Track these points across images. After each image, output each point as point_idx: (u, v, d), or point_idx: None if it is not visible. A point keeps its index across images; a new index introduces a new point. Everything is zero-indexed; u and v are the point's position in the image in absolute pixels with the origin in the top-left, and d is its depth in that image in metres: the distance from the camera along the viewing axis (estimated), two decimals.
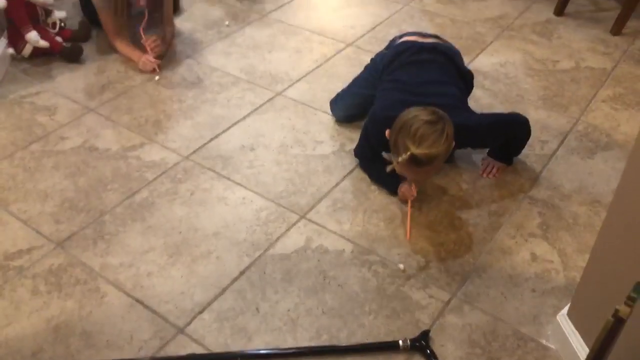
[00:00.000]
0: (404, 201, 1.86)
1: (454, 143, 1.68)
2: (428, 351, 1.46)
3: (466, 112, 1.91)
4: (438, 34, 2.26)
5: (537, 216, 1.86)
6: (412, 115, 1.66)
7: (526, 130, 1.96)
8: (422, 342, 1.47)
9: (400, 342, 1.47)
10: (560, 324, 1.45)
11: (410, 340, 1.48)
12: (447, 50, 2.08)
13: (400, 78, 1.98)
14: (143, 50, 2.51)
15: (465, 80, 2.08)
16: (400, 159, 1.64)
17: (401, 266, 1.68)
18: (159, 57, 2.52)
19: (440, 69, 2.00)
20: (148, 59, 2.48)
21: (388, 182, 1.91)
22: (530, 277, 1.67)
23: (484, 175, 1.98)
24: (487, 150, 2.03)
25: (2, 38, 2.57)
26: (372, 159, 1.98)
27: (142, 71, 2.50)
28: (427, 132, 1.62)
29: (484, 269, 1.69)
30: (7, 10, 2.49)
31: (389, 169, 1.72)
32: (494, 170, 1.98)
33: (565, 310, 1.46)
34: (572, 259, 1.72)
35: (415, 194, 1.81)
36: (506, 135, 1.93)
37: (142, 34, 2.49)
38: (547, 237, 1.79)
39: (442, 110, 1.69)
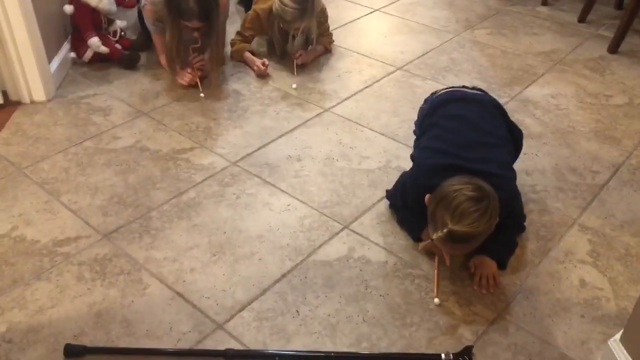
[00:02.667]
0: (430, 250, 1.71)
1: (497, 219, 1.53)
2: None
3: (511, 183, 1.74)
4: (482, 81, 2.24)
5: (587, 243, 1.81)
6: (454, 188, 1.51)
7: (521, 227, 1.81)
8: (465, 357, 1.43)
9: (443, 355, 1.44)
10: (612, 349, 1.39)
11: (454, 354, 1.44)
12: (496, 102, 1.93)
13: (443, 135, 1.78)
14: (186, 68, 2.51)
15: (514, 137, 1.89)
16: (436, 235, 1.51)
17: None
18: (201, 77, 2.52)
19: (489, 125, 1.81)
20: (186, 72, 2.47)
21: (412, 227, 1.79)
22: (580, 302, 1.61)
23: (476, 287, 1.64)
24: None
25: (66, 43, 2.68)
26: (402, 206, 1.85)
27: (180, 84, 2.50)
28: (469, 210, 1.47)
29: (531, 291, 1.64)
30: (73, 17, 2.60)
31: (421, 246, 1.67)
32: (492, 281, 1.63)
33: (617, 336, 1.41)
34: (624, 288, 1.66)
35: (424, 247, 1.69)
36: (509, 220, 1.71)
37: (191, 51, 2.50)
38: (597, 265, 1.74)
39: (487, 179, 1.55)
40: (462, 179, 1.54)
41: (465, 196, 1.48)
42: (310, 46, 2.72)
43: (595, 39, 3.04)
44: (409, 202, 1.77)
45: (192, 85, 2.50)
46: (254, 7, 2.70)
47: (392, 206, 1.91)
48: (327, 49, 2.81)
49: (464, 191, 1.49)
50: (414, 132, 2.02)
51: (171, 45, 2.45)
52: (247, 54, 2.69)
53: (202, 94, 2.48)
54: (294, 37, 2.63)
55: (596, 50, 2.93)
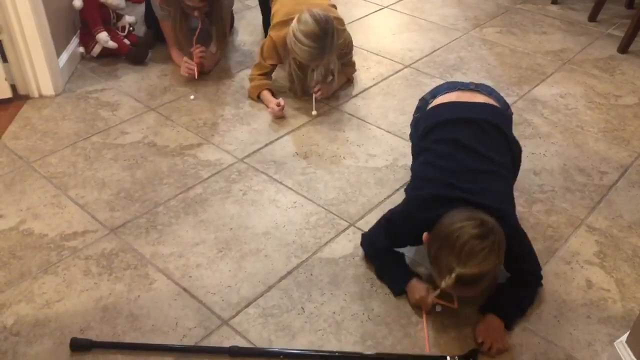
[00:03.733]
0: (417, 307, 1.56)
1: (503, 254, 1.41)
2: None
3: (513, 219, 1.58)
4: (483, 81, 2.19)
5: (595, 244, 1.80)
6: (456, 226, 1.38)
7: (536, 280, 1.61)
8: None
9: (448, 357, 1.43)
10: (618, 351, 1.39)
11: (459, 357, 1.43)
12: (494, 116, 1.72)
13: (439, 162, 1.62)
14: (191, 59, 2.50)
15: (512, 153, 1.72)
16: (444, 283, 1.37)
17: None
18: (203, 71, 2.52)
19: (486, 148, 1.63)
20: (188, 64, 2.47)
21: (395, 278, 1.62)
22: (586, 303, 1.61)
23: (484, 348, 1.47)
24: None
25: (75, 38, 2.68)
26: (383, 250, 1.67)
27: (182, 75, 2.51)
28: (475, 249, 1.34)
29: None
30: (82, 11, 2.61)
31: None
32: (500, 342, 1.47)
33: (624, 337, 1.40)
34: (631, 289, 1.65)
35: (432, 303, 1.52)
36: (518, 272, 1.58)
37: (193, 42, 2.49)
38: (604, 266, 1.73)
39: (490, 212, 1.43)
40: (462, 214, 1.40)
41: (469, 234, 1.35)
42: (330, 77, 2.44)
43: (606, 38, 3.02)
44: (400, 238, 1.62)
45: (194, 79, 2.51)
46: (270, 32, 2.38)
47: (369, 253, 1.71)
48: (349, 80, 2.55)
49: (466, 229, 1.36)
50: (410, 136, 1.93)
51: (174, 31, 2.48)
52: (265, 93, 2.38)
53: (192, 97, 2.43)
54: (312, 71, 2.34)
55: (606, 49, 2.91)
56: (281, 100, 2.32)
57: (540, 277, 1.61)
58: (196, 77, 2.50)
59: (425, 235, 1.47)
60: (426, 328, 1.52)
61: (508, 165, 1.68)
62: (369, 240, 1.71)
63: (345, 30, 2.37)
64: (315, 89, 2.34)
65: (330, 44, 2.15)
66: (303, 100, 2.41)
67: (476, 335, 1.49)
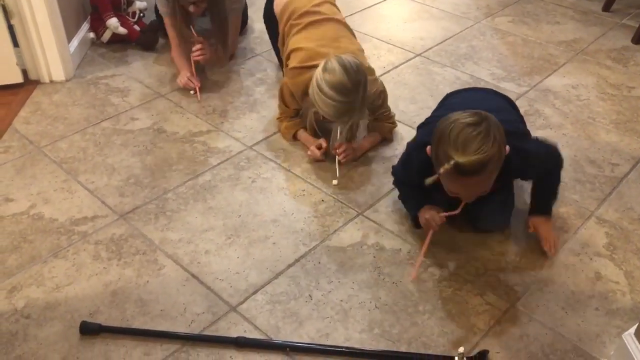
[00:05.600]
0: (427, 230, 1.62)
1: (506, 148, 1.45)
2: None
3: (529, 139, 1.70)
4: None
5: (604, 236, 1.79)
6: (450, 120, 1.43)
7: (553, 161, 1.71)
8: None
9: (456, 358, 1.40)
10: (626, 343, 1.38)
11: (467, 357, 1.42)
12: (502, 95, 1.92)
13: (448, 108, 1.69)
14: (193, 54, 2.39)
15: (519, 114, 1.89)
16: (442, 169, 1.40)
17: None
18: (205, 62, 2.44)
19: (496, 102, 1.83)
20: (189, 79, 2.34)
21: (411, 204, 1.71)
22: (594, 295, 1.60)
23: (551, 250, 1.67)
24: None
25: (85, 23, 2.68)
26: (404, 182, 1.78)
27: (179, 85, 2.38)
28: (470, 136, 1.38)
29: (545, 283, 1.63)
30: None
31: (428, 180, 1.47)
32: (556, 240, 1.69)
33: (632, 330, 1.39)
34: None
35: (441, 222, 1.59)
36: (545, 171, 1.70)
37: (192, 30, 2.37)
38: (613, 258, 1.72)
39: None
40: (456, 113, 1.46)
41: (462, 124, 1.40)
42: (357, 138, 2.08)
43: (620, 28, 2.98)
44: (414, 169, 1.63)
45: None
46: (284, 79, 2.06)
47: (396, 182, 1.85)
48: (386, 139, 2.13)
49: (460, 120, 1.42)
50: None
51: (175, 28, 2.36)
52: (301, 133, 2.09)
53: (192, 92, 2.36)
54: (337, 128, 1.94)
55: (620, 40, 2.88)
56: (322, 142, 1.99)
57: (558, 158, 1.70)
58: (198, 93, 2.34)
59: (428, 147, 1.51)
60: (427, 244, 1.61)
61: (514, 118, 1.80)
62: (394, 174, 1.84)
63: (376, 79, 2.03)
64: (339, 151, 1.94)
65: (361, 99, 1.81)
66: (326, 173, 1.99)
67: (529, 225, 1.70)
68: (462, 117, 1.42)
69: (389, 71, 2.57)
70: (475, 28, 2.95)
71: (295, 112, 2.11)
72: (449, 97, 1.96)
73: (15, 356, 1.40)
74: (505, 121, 1.51)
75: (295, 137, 2.11)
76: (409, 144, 1.75)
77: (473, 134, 1.38)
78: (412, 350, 1.45)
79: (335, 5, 2.28)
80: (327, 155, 2.01)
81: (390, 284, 1.61)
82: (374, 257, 1.70)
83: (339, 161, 1.94)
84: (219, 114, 2.28)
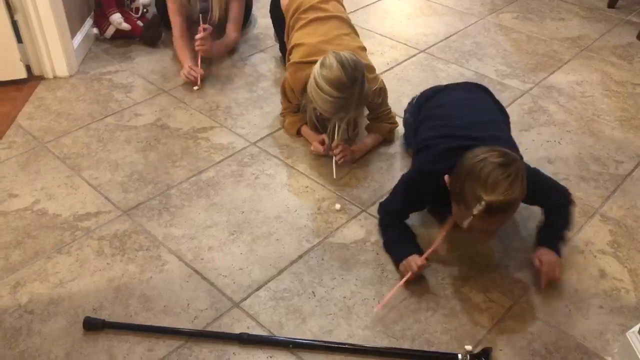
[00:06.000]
0: (403, 272, 1.57)
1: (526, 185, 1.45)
2: None
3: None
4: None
5: (608, 234, 1.78)
6: (479, 158, 1.43)
7: (564, 198, 1.67)
8: (483, 359, 1.41)
9: (460, 355, 1.41)
10: (630, 341, 1.38)
11: (471, 355, 1.41)
12: (478, 85, 1.94)
13: (440, 123, 1.71)
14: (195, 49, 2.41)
15: (504, 115, 1.87)
16: (475, 210, 1.40)
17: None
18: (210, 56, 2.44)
19: (481, 104, 1.81)
20: (191, 71, 2.34)
21: (401, 249, 1.62)
22: (598, 293, 1.60)
23: (542, 283, 1.58)
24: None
25: (88, 19, 2.68)
26: (399, 220, 1.70)
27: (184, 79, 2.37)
28: (500, 177, 1.39)
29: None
30: None
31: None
32: (557, 270, 1.59)
33: (636, 328, 1.39)
34: None
35: (422, 264, 1.54)
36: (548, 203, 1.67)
37: (200, 19, 2.37)
38: (617, 256, 1.71)
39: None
40: (482, 149, 1.45)
41: (493, 164, 1.40)
42: (357, 138, 2.07)
43: (625, 25, 2.97)
44: (418, 197, 1.64)
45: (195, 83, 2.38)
46: (286, 74, 2.07)
47: (383, 222, 1.71)
48: (387, 140, 2.11)
49: (490, 159, 1.41)
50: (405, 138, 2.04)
51: (180, 15, 2.38)
52: (305, 129, 2.07)
53: (195, 87, 2.35)
54: (335, 126, 1.90)
55: (625, 37, 2.86)
56: (325, 137, 1.96)
57: (568, 197, 1.68)
58: (198, 85, 2.34)
59: (446, 177, 1.52)
60: (399, 285, 1.54)
61: (503, 120, 1.82)
62: (384, 209, 1.73)
63: (376, 77, 2.00)
64: (336, 151, 1.92)
65: (358, 95, 1.79)
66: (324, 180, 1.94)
67: (533, 259, 1.60)
68: (492, 156, 1.43)
69: (392, 67, 2.57)
70: (479, 24, 2.94)
71: (298, 107, 2.11)
72: (430, 98, 1.90)
73: (19, 351, 1.41)
74: (503, 140, 1.61)
75: (299, 133, 2.11)
76: (408, 175, 1.69)
77: (503, 175, 1.40)
78: (416, 348, 1.45)
79: (341, 3, 2.29)
80: (326, 154, 2.00)
81: (393, 281, 1.61)
82: (377, 253, 1.70)
83: (336, 162, 1.93)
84: (222, 110, 2.28)
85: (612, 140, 2.17)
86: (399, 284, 1.55)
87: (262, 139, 2.13)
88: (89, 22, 2.67)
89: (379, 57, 2.64)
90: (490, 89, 1.97)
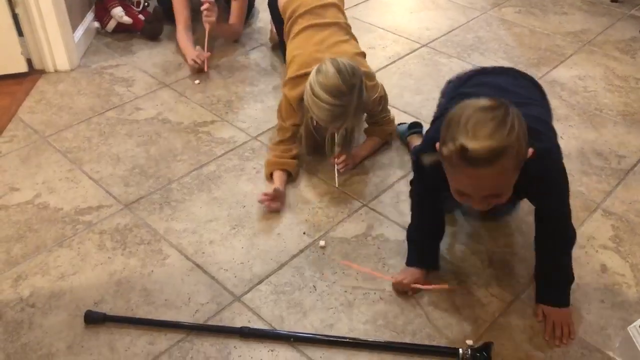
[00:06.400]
0: (398, 289, 1.54)
1: (529, 151, 1.24)
2: None
3: (553, 139, 1.44)
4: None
5: (610, 229, 1.78)
6: (463, 104, 1.24)
7: (567, 234, 1.47)
8: (484, 354, 1.38)
9: (461, 350, 1.40)
10: (632, 336, 1.38)
11: (472, 349, 1.40)
12: (525, 74, 1.70)
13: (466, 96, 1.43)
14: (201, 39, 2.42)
15: (549, 112, 1.63)
16: (445, 150, 1.22)
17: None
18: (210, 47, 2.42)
19: (525, 91, 1.58)
20: (200, 55, 2.37)
21: (411, 253, 1.59)
22: (599, 288, 1.60)
23: (548, 338, 1.45)
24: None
25: (90, 12, 2.68)
26: (424, 200, 1.57)
27: (190, 68, 2.40)
28: (482, 119, 1.18)
29: None
30: None
31: (426, 160, 1.32)
32: (566, 329, 1.45)
33: (638, 322, 1.39)
34: None
35: (407, 289, 1.50)
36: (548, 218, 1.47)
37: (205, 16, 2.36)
38: (619, 251, 1.71)
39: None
40: (471, 99, 1.26)
41: (475, 107, 1.21)
42: (355, 143, 1.98)
43: (628, 19, 2.95)
44: (427, 178, 1.47)
45: (203, 71, 2.40)
46: (282, 90, 1.96)
47: (411, 200, 1.64)
48: (387, 143, 2.06)
49: (472, 104, 1.22)
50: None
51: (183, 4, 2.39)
52: (277, 175, 1.88)
53: (197, 81, 2.36)
54: (333, 136, 1.86)
55: (628, 31, 2.85)
56: (280, 187, 1.81)
57: (572, 240, 1.47)
58: (205, 69, 2.38)
59: (437, 143, 1.29)
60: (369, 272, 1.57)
61: (547, 111, 1.60)
62: (412, 187, 1.62)
63: (376, 85, 1.93)
64: (339, 161, 1.88)
65: (356, 102, 1.71)
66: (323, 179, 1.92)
67: (537, 313, 1.49)
68: (477, 100, 1.24)
69: (394, 61, 2.56)
70: (481, 18, 2.93)
71: (293, 130, 1.93)
72: (468, 79, 1.67)
73: (21, 344, 1.41)
74: (534, 117, 1.34)
75: (272, 176, 1.90)
76: (414, 147, 1.60)
77: (486, 117, 1.18)
78: (417, 342, 1.45)
79: (342, 10, 2.16)
80: (326, 160, 1.96)
81: (395, 275, 1.61)
82: (379, 248, 1.69)
83: (337, 170, 1.89)
84: (223, 104, 2.27)
85: (615, 134, 2.16)
86: (380, 274, 1.57)
87: (263, 133, 2.13)
88: (90, 15, 2.67)
89: (381, 51, 2.63)
90: None
